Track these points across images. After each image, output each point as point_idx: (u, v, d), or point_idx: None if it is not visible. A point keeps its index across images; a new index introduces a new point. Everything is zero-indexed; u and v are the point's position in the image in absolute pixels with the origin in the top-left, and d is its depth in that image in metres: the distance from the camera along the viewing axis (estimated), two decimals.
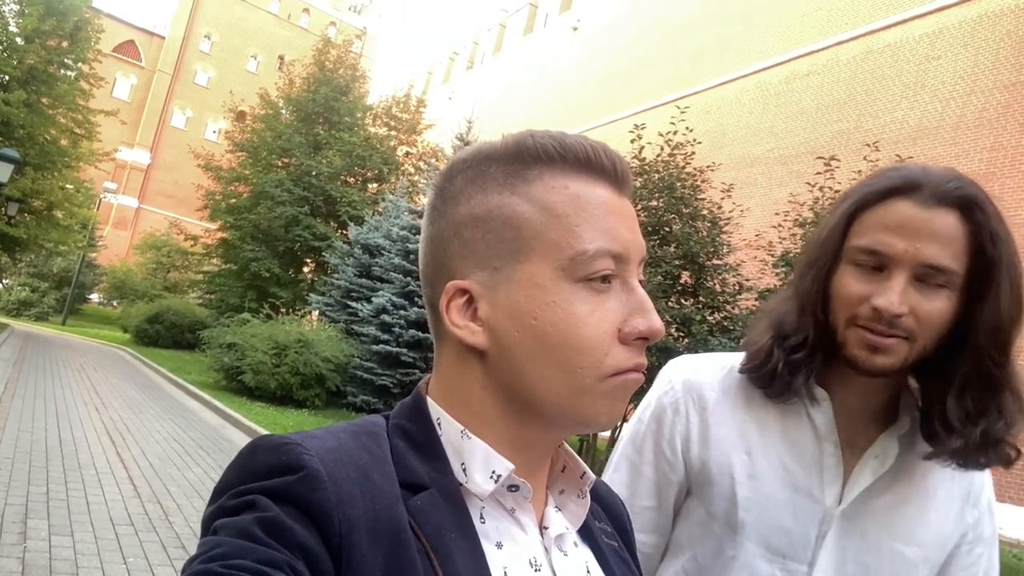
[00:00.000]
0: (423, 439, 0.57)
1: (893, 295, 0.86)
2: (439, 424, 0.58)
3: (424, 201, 15.23)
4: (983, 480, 1.01)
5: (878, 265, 0.89)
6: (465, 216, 0.58)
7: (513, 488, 0.57)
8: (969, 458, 0.90)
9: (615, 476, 1.07)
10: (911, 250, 0.86)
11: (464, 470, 0.56)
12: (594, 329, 0.55)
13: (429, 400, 0.60)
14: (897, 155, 8.28)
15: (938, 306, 0.87)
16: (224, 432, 9.55)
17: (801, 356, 0.95)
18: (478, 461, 0.56)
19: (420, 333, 12.17)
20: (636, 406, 1.12)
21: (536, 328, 0.55)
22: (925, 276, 0.87)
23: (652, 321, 0.56)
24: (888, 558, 0.94)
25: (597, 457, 9.49)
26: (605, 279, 0.56)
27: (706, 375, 1.04)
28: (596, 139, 0.58)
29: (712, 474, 0.98)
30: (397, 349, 12.14)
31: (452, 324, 0.57)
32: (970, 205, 0.87)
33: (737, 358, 1.04)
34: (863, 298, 0.89)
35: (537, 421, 0.57)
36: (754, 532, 0.95)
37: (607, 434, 9.23)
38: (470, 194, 0.58)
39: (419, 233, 13.18)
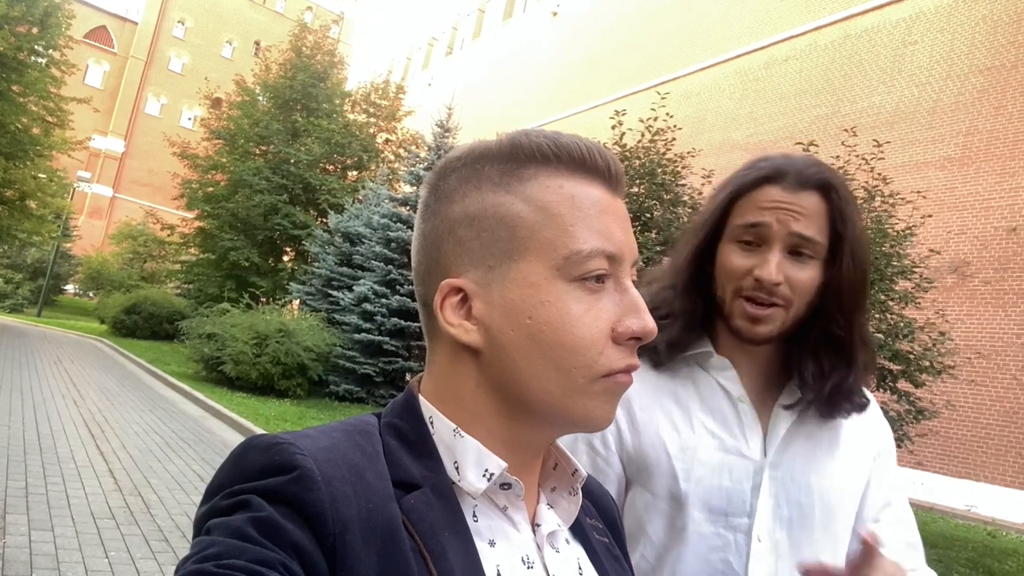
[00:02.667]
0: (415, 437, 0.57)
1: (771, 266, 0.98)
2: (431, 422, 0.58)
3: (405, 188, 15.16)
4: (876, 409, 1.13)
5: (757, 241, 1.00)
6: (459, 214, 0.57)
7: (506, 486, 0.57)
8: (823, 407, 1.03)
9: None
10: (783, 225, 0.99)
11: (457, 468, 0.56)
12: (588, 328, 0.55)
13: (421, 398, 0.60)
14: (875, 140, 8.32)
15: (808, 275, 1.00)
16: (205, 423, 9.48)
17: (677, 332, 1.05)
18: (471, 459, 0.56)
19: (402, 321, 12.14)
20: None
21: (531, 327, 0.55)
22: (797, 247, 0.99)
23: (646, 321, 0.56)
24: (818, 495, 1.03)
25: None
26: (599, 279, 0.56)
27: None
28: (587, 136, 0.58)
29: (648, 457, 1.04)
30: (379, 338, 12.12)
31: (446, 322, 0.57)
32: (827, 187, 1.00)
33: None
34: (747, 271, 1.00)
35: (530, 420, 0.58)
36: (696, 499, 1.01)
37: None
38: (465, 192, 0.58)
39: (400, 220, 13.18)
